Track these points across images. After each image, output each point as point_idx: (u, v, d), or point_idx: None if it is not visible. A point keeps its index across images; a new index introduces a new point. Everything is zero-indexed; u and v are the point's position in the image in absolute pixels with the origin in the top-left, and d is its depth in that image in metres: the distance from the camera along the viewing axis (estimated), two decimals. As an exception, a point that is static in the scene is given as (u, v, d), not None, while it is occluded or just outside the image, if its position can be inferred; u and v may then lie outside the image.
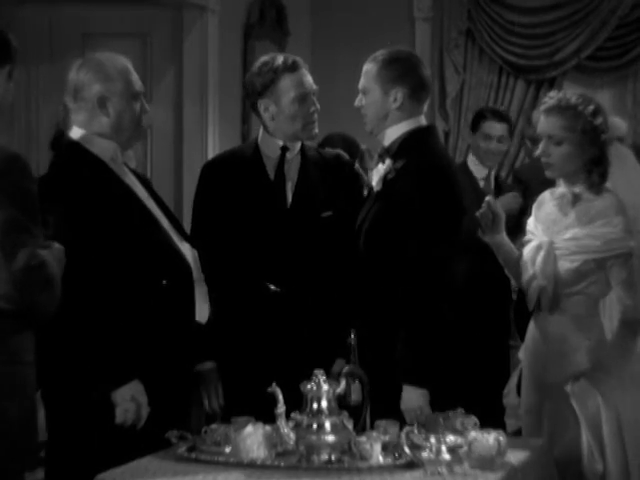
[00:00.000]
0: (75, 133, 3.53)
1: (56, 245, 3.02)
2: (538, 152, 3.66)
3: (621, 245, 3.52)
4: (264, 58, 3.79)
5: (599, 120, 3.58)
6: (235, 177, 3.75)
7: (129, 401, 3.33)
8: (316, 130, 3.79)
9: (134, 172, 3.64)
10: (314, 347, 3.68)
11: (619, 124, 3.57)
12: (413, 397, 3.39)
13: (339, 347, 3.56)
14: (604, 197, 3.57)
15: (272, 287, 3.68)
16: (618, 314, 3.55)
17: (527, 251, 3.66)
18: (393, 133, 3.62)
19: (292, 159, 3.79)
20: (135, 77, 3.55)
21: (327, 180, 3.82)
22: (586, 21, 7.38)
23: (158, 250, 3.44)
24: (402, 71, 3.61)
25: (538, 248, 3.62)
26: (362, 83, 3.68)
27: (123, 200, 3.45)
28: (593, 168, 3.58)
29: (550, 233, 3.63)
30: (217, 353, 3.69)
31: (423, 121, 3.67)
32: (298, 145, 3.82)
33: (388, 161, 3.57)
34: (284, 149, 3.78)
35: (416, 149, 3.56)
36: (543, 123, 3.63)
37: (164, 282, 3.42)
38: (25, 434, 2.92)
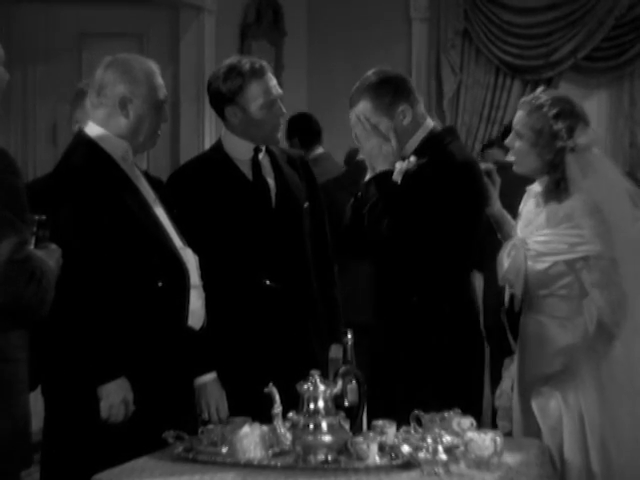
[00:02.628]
0: (91, 129, 3.54)
1: (53, 246, 3.02)
2: (506, 141, 3.69)
3: (587, 248, 3.50)
4: (229, 62, 3.75)
5: (559, 125, 3.52)
6: (211, 183, 3.73)
7: (114, 397, 3.33)
8: (280, 134, 3.80)
9: (146, 174, 3.64)
10: (311, 343, 3.70)
11: (592, 139, 3.53)
12: None
13: (335, 337, 3.66)
14: (574, 198, 3.53)
15: (269, 283, 3.69)
16: (595, 316, 3.52)
17: (505, 247, 3.68)
18: (413, 144, 3.62)
19: (263, 158, 3.81)
20: (160, 83, 3.55)
21: (297, 174, 3.87)
22: (582, 21, 7.39)
23: (156, 252, 3.44)
24: (393, 88, 3.59)
25: (513, 246, 3.65)
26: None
27: (128, 200, 3.45)
28: (550, 172, 3.56)
29: (526, 231, 3.65)
30: (217, 361, 3.66)
31: (431, 122, 3.67)
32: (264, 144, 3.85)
33: (412, 157, 3.57)
34: (257, 150, 3.79)
35: (440, 145, 3.58)
36: (516, 115, 3.65)
37: (159, 284, 3.42)
38: (17, 433, 2.92)
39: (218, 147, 3.84)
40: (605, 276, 3.48)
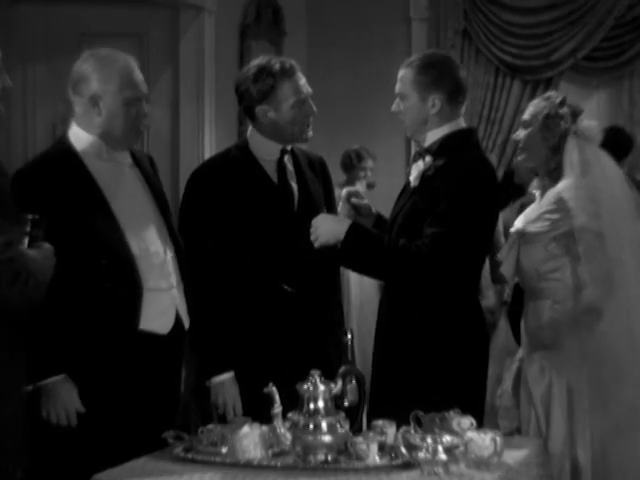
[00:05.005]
0: (71, 127, 3.54)
1: (46, 245, 3.04)
2: (514, 135, 3.93)
3: (570, 222, 3.67)
4: (258, 63, 3.73)
5: (564, 109, 3.77)
6: (235, 183, 3.72)
7: (54, 397, 3.33)
8: (311, 133, 3.79)
9: (142, 168, 3.61)
10: (326, 347, 3.71)
11: (593, 127, 3.77)
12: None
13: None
14: (561, 182, 3.73)
15: (287, 288, 3.69)
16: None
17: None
18: (434, 136, 3.63)
19: (287, 160, 3.80)
20: (136, 79, 3.49)
21: (316, 178, 3.87)
22: (582, 21, 7.39)
23: (102, 253, 3.38)
24: (438, 76, 3.59)
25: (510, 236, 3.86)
26: (399, 88, 3.66)
27: (79, 200, 3.41)
28: (552, 156, 3.75)
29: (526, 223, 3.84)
30: (234, 361, 3.68)
31: (462, 123, 3.67)
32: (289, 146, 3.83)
33: (428, 158, 3.57)
34: (284, 152, 3.78)
35: (457, 150, 3.57)
36: (525, 112, 3.89)
37: (107, 286, 3.39)
38: (9, 433, 2.92)
39: (244, 146, 3.81)
40: (590, 250, 3.64)
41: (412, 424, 3.10)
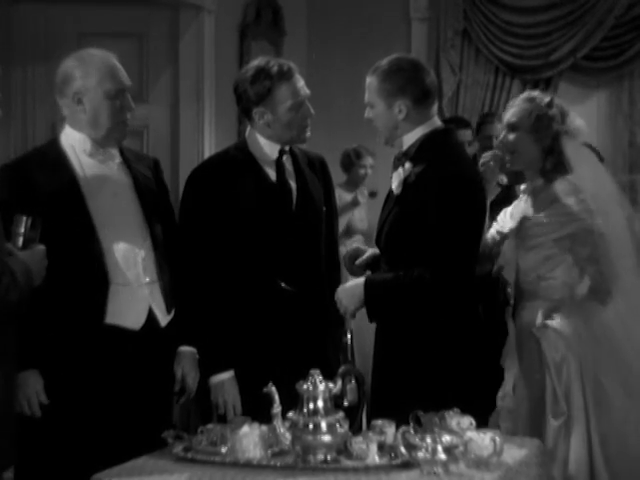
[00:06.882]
0: (64, 128, 3.59)
1: (39, 247, 3.06)
2: (496, 143, 3.91)
3: (577, 225, 3.70)
4: (256, 64, 3.73)
5: (554, 110, 3.79)
6: (234, 182, 3.73)
7: (27, 387, 3.36)
8: (309, 134, 3.79)
9: (132, 167, 3.62)
10: (325, 346, 3.71)
11: (582, 127, 3.79)
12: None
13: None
14: (559, 182, 3.75)
15: (286, 287, 3.68)
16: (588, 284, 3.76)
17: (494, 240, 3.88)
18: (409, 139, 3.60)
19: (286, 160, 3.81)
20: (116, 73, 3.53)
21: (316, 177, 3.86)
22: (582, 21, 7.39)
23: (73, 248, 3.42)
24: (403, 82, 3.56)
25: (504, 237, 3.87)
26: (367, 97, 3.65)
27: (58, 195, 3.45)
28: (547, 157, 3.77)
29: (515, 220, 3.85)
30: (234, 361, 3.68)
31: (437, 122, 3.64)
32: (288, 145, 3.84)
33: (408, 164, 3.56)
34: (282, 151, 3.78)
35: (435, 154, 3.55)
36: (507, 113, 3.87)
37: (74, 279, 3.42)
38: None
39: (242, 146, 3.82)
40: (595, 249, 3.69)
41: (412, 424, 3.10)
